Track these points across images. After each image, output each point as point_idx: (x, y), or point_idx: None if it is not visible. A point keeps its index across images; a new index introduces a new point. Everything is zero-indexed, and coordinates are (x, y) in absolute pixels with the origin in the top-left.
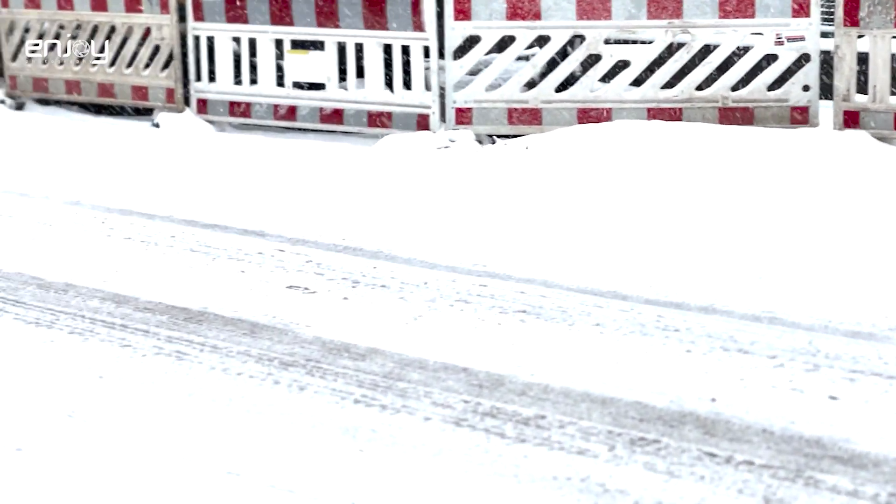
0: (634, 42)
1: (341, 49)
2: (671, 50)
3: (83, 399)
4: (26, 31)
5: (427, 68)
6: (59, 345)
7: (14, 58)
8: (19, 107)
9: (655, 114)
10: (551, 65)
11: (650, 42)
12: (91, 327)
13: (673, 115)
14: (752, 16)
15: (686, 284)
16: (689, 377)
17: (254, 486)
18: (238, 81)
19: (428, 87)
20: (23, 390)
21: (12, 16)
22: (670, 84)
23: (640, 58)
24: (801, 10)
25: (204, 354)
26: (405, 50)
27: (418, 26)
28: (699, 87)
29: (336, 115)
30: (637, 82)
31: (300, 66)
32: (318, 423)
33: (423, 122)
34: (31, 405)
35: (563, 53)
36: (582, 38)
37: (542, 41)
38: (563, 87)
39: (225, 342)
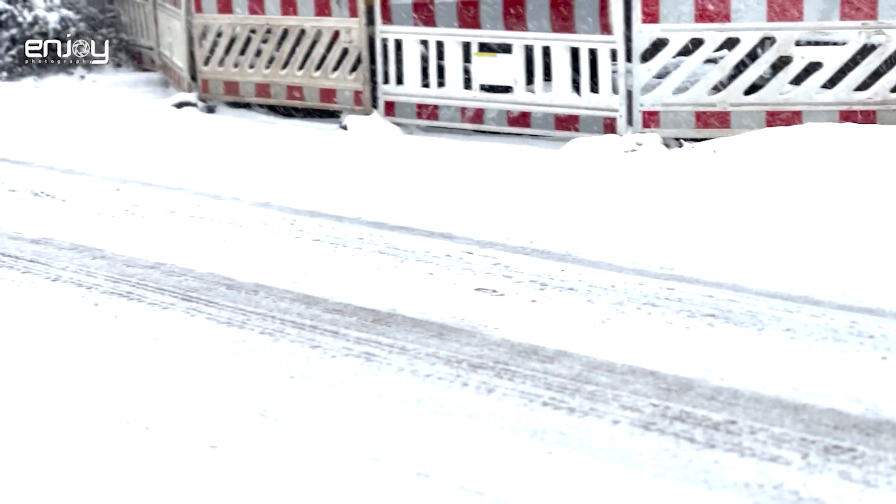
0: (826, 44)
1: (528, 52)
2: (865, 51)
3: (275, 398)
4: (218, 35)
5: (614, 71)
6: (251, 345)
7: (206, 62)
8: (210, 110)
9: (848, 116)
10: (740, 67)
11: (843, 43)
12: (281, 328)
13: (866, 117)
14: None
15: (881, 290)
16: (886, 385)
17: (443, 487)
18: (425, 84)
19: (615, 91)
20: (216, 389)
21: (205, 21)
22: (864, 86)
23: (833, 59)
24: None
25: (392, 356)
26: (592, 53)
27: (606, 29)
28: (894, 90)
29: (523, 119)
30: (829, 84)
31: (487, 69)
32: (507, 425)
33: (609, 126)
34: (224, 403)
35: (752, 55)
36: (772, 39)
37: (730, 43)
38: (751, 89)
39: (413, 344)
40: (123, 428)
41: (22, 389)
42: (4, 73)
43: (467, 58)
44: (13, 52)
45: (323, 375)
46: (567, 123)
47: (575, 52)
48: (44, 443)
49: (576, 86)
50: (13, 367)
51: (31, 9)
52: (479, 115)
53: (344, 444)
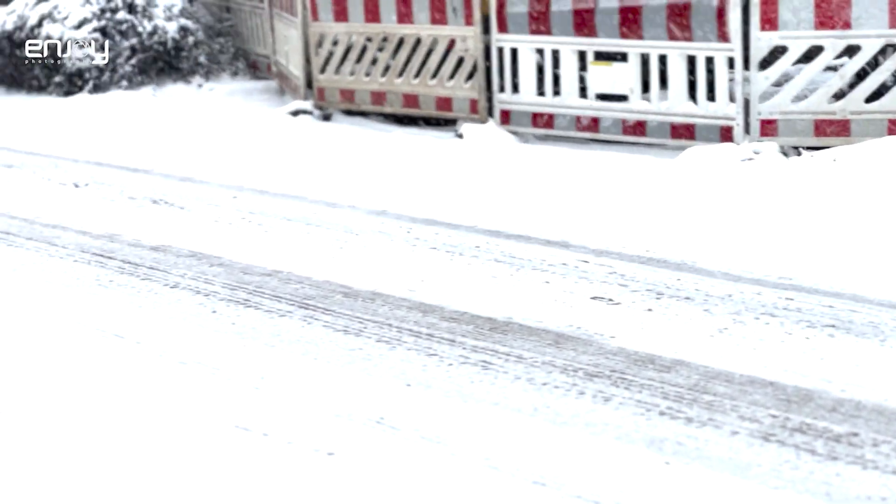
0: None
1: (644, 60)
2: None
3: (392, 406)
4: (334, 43)
5: (731, 79)
6: (367, 352)
7: (322, 70)
8: (326, 118)
9: None
10: (860, 75)
11: None
12: (398, 336)
13: None
14: None
15: None
16: None
17: (559, 496)
18: (541, 93)
19: (732, 99)
20: (333, 396)
21: (321, 29)
22: None
23: None
24: None
25: (509, 364)
26: (709, 61)
27: (723, 37)
28: None
29: (639, 127)
30: None
31: (603, 77)
32: (624, 434)
33: (726, 134)
34: (341, 411)
35: (873, 63)
36: (894, 47)
37: (851, 51)
38: (872, 97)
39: (530, 352)
40: (242, 434)
41: (141, 396)
42: (124, 82)
43: (583, 66)
44: (133, 61)
45: (440, 383)
46: (683, 132)
47: (691, 60)
48: (163, 449)
49: (692, 94)
50: (133, 373)
51: (150, 18)
52: (594, 124)
53: (461, 451)
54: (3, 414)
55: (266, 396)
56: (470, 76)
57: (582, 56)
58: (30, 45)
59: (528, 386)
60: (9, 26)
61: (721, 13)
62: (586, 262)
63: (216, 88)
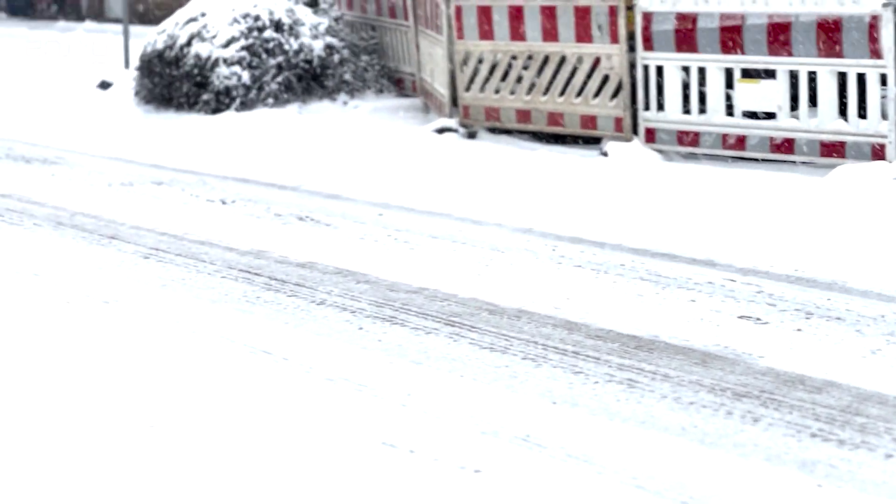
0: None
1: (793, 77)
2: None
3: (537, 423)
4: (480, 61)
5: (884, 97)
6: (513, 370)
7: (467, 88)
8: (471, 135)
9: None
10: None
11: None
12: (544, 353)
13: None
14: None
15: None
16: None
17: None
18: (686, 111)
19: (884, 116)
20: (479, 413)
21: (466, 47)
22: None
23: None
24: None
25: (655, 383)
26: (860, 77)
27: (875, 53)
28: None
29: (787, 145)
30: None
31: (750, 95)
32: (773, 455)
33: (878, 152)
34: (487, 428)
35: None
36: None
37: None
38: None
39: (676, 371)
40: (388, 451)
41: (288, 412)
42: (270, 100)
43: (729, 84)
44: (279, 79)
45: (585, 401)
46: (833, 150)
47: (842, 77)
48: (310, 465)
49: (842, 111)
50: (280, 389)
51: (297, 37)
52: (741, 142)
53: (607, 470)
54: (157, 430)
55: (412, 413)
56: (615, 94)
57: (728, 73)
58: (179, 63)
59: (674, 405)
60: (159, 45)
61: (873, 29)
62: (733, 280)
63: (361, 106)
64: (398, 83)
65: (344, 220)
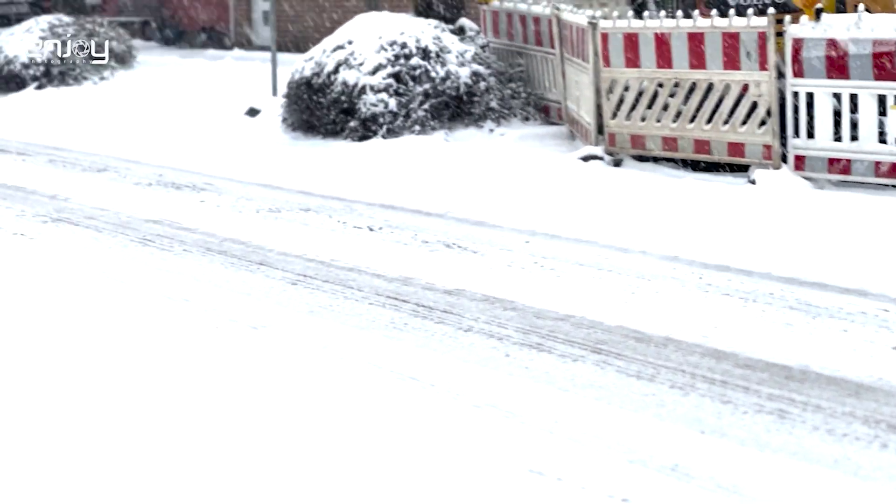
0: None
1: None
2: None
3: (685, 453)
4: (626, 89)
5: None
6: (661, 398)
7: (613, 115)
8: (617, 163)
9: None
10: None
11: None
12: (691, 382)
13: None
14: None
15: None
16: None
17: None
18: (837, 138)
19: None
20: (626, 442)
21: (612, 75)
22: None
23: None
24: None
25: (807, 414)
26: None
27: None
28: None
29: None
30: None
31: None
32: None
33: None
34: (634, 457)
35: None
36: None
37: None
38: None
39: (828, 402)
40: (536, 478)
41: (436, 438)
42: (417, 127)
43: (882, 111)
44: (426, 106)
45: (734, 432)
46: None
47: None
48: (459, 492)
49: None
50: (428, 415)
51: (443, 64)
52: (894, 170)
53: (757, 502)
54: (305, 455)
55: (560, 441)
56: (763, 122)
57: (881, 100)
58: (326, 90)
59: (827, 437)
60: (307, 73)
61: None
62: (886, 311)
63: (507, 133)
64: (544, 111)
65: (490, 247)
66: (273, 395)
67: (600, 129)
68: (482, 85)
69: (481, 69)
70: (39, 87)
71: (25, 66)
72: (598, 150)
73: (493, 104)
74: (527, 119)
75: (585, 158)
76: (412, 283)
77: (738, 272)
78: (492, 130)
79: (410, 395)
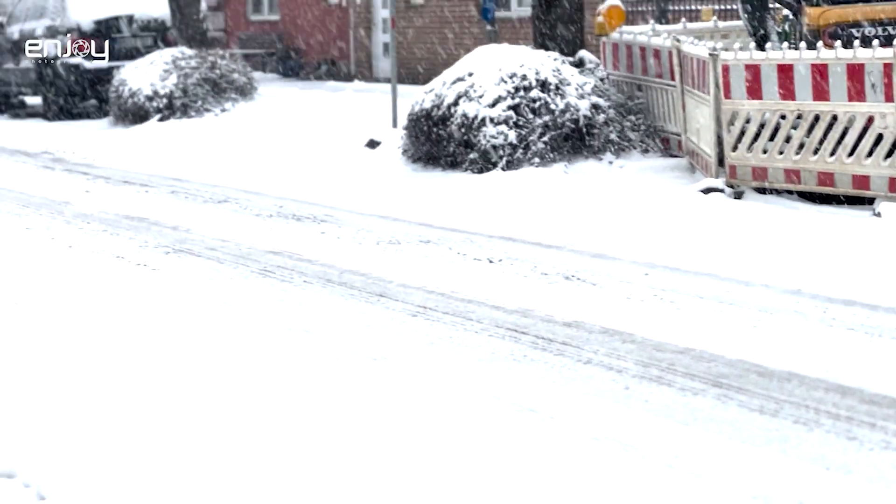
0: None
1: None
2: None
3: (810, 490)
4: (747, 121)
5: None
6: (784, 434)
7: (734, 147)
8: (738, 196)
9: None
10: None
11: None
12: (815, 418)
13: None
14: None
15: None
16: None
17: None
18: None
19: None
20: (750, 477)
21: (733, 107)
22: None
23: None
24: None
25: None
26: None
27: None
28: None
29: None
30: None
31: None
32: None
33: None
34: (758, 492)
35: None
36: None
37: None
38: None
39: None
40: None
41: (554, 470)
42: (536, 159)
43: None
44: (545, 138)
45: (861, 468)
46: None
47: None
48: None
49: None
50: (546, 447)
51: (563, 97)
52: None
53: None
54: (426, 488)
55: (680, 475)
56: (889, 154)
57: None
58: (446, 122)
59: None
60: (427, 105)
61: None
62: None
63: (626, 165)
64: (664, 143)
65: (610, 279)
66: (394, 428)
67: (721, 161)
68: (601, 117)
69: (601, 101)
70: (162, 119)
71: (149, 99)
72: (719, 183)
73: (613, 136)
74: (646, 151)
75: (706, 191)
76: (531, 315)
77: (863, 306)
78: (611, 163)
79: (530, 426)
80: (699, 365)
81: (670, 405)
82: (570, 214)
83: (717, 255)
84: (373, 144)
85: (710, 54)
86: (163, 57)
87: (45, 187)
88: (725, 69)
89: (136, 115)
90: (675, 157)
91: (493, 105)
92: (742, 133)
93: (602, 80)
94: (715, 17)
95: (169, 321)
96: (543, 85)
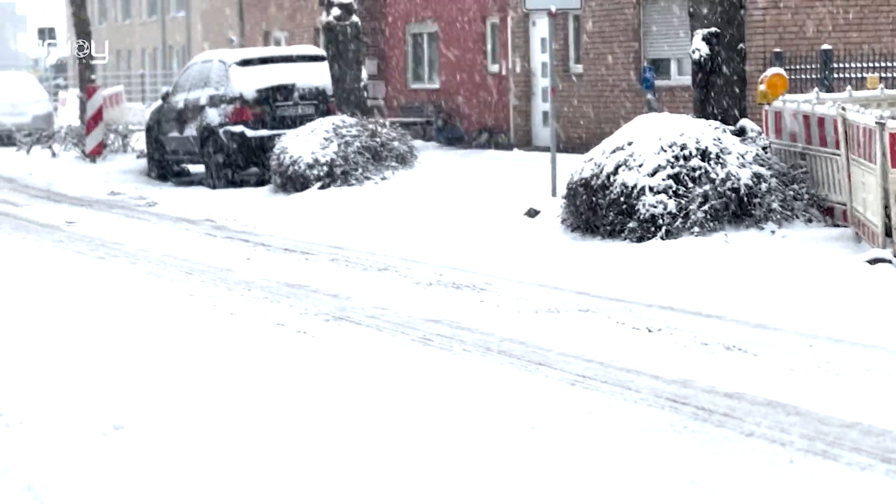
0: None
1: None
2: None
3: None
4: None
5: None
6: None
7: None
8: None
9: None
10: None
11: None
12: None
13: None
14: None
15: None
16: None
17: None
18: None
19: None
20: None
21: None
22: None
23: None
24: None
25: None
26: None
27: None
28: None
29: None
30: None
31: None
32: None
33: None
34: None
35: None
36: None
37: None
38: None
39: None
40: None
41: None
42: (696, 228)
43: None
44: (705, 207)
45: None
46: None
47: None
48: None
49: None
50: None
51: (723, 165)
52: None
53: None
54: None
55: None
56: None
57: None
58: (605, 191)
59: None
60: (585, 173)
61: None
62: None
63: (789, 235)
64: (828, 213)
65: (771, 350)
66: (554, 498)
67: (888, 232)
68: (763, 186)
69: (762, 170)
70: (323, 187)
71: (309, 167)
72: (887, 253)
73: (775, 205)
74: (809, 221)
75: (872, 261)
76: (691, 386)
77: None
78: (773, 232)
79: (691, 499)
80: (867, 439)
81: (837, 480)
82: (730, 284)
83: (884, 327)
84: (532, 213)
85: (876, 122)
86: (324, 125)
87: (207, 254)
88: (893, 138)
89: (296, 182)
90: (840, 227)
91: (652, 174)
92: None
93: (764, 148)
94: (881, 85)
95: (328, 389)
96: (704, 154)
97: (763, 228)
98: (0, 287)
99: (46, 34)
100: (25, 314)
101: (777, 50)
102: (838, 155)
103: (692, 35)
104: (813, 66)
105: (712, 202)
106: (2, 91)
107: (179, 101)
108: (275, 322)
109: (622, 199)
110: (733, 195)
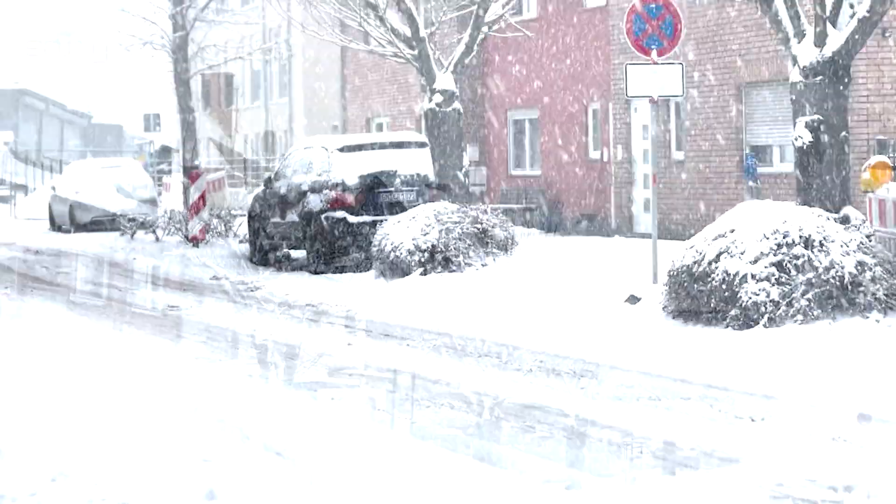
0: None
1: None
2: None
3: None
4: None
5: None
6: None
7: None
8: None
9: None
10: None
11: None
12: None
13: None
14: None
15: None
16: None
17: None
18: None
19: None
20: None
21: None
22: None
23: None
24: None
25: None
26: None
27: None
28: None
29: None
30: None
31: None
32: None
33: None
34: None
35: None
36: None
37: None
38: None
39: None
40: None
41: None
42: (799, 316)
43: None
44: (808, 295)
45: None
46: None
47: None
48: None
49: None
50: None
51: (827, 253)
52: None
53: None
54: None
55: None
56: None
57: None
58: (707, 278)
59: None
60: (687, 260)
61: None
62: None
63: (894, 325)
64: None
65: (877, 442)
66: None
67: None
68: (868, 275)
69: (866, 258)
70: (424, 273)
71: (410, 253)
72: None
73: (880, 294)
74: None
75: None
76: (793, 476)
77: None
78: (878, 321)
79: None
80: None
81: None
82: (833, 373)
83: None
84: (633, 299)
85: None
86: (425, 212)
87: (308, 339)
88: None
89: (397, 268)
90: None
91: (754, 261)
92: None
93: (868, 236)
94: None
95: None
96: (807, 241)
97: (867, 317)
98: (100, 374)
99: (152, 120)
100: (123, 401)
101: (880, 137)
102: None
103: (794, 122)
104: None
105: (815, 290)
106: (108, 177)
107: (282, 186)
108: (374, 408)
109: (724, 286)
110: (837, 283)
